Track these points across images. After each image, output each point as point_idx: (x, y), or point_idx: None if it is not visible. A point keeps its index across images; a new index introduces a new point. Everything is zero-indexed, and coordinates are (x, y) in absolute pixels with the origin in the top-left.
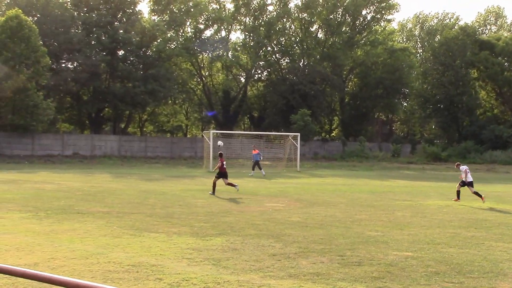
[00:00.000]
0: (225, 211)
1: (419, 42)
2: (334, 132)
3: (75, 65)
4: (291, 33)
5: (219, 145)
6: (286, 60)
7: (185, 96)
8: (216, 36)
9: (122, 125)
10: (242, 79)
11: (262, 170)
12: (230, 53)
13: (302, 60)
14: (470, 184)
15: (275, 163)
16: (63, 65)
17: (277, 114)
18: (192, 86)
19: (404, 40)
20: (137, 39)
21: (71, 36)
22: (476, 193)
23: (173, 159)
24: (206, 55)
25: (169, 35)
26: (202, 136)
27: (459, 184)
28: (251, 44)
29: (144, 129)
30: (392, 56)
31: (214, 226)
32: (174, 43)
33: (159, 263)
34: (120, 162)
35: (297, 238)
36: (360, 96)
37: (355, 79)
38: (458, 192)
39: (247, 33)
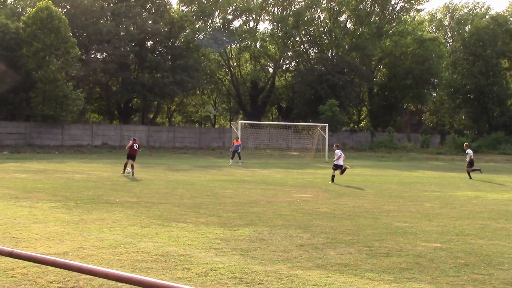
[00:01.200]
0: (253, 202)
1: (449, 32)
2: (362, 122)
3: (104, 55)
4: (319, 23)
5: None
6: (315, 50)
7: (213, 87)
8: (245, 27)
9: (151, 116)
10: (270, 70)
11: (232, 160)
12: (258, 43)
13: (330, 50)
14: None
15: (303, 154)
16: (92, 55)
17: (305, 104)
18: (220, 76)
19: (434, 30)
20: (166, 30)
21: (100, 27)
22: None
23: (201, 149)
24: (234, 46)
25: (197, 25)
26: (230, 126)
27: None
28: (279, 34)
29: (173, 119)
30: (422, 46)
31: (241, 217)
32: (203, 33)
33: (187, 253)
34: (149, 152)
35: (325, 229)
36: (389, 86)
37: (384, 69)
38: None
39: (275, 24)
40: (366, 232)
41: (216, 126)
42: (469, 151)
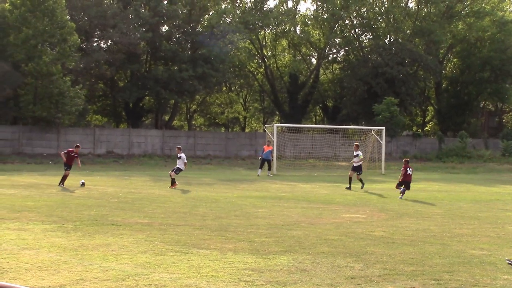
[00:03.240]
0: (292, 224)
1: None
2: (428, 125)
3: (109, 44)
4: (374, 2)
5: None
6: (368, 37)
7: (243, 82)
8: (281, 8)
9: (166, 118)
10: (314, 61)
11: (261, 170)
12: (298, 28)
13: (388, 36)
14: None
15: None
16: (95, 44)
17: (357, 103)
18: (252, 69)
19: None
20: (185, 11)
21: (104, 9)
22: None
23: (228, 159)
24: (269, 31)
25: (223, 6)
26: (264, 130)
27: None
28: (325, 17)
29: (193, 122)
30: (503, 30)
31: (278, 242)
32: (230, 16)
33: (211, 287)
34: (164, 162)
35: (382, 257)
36: (461, 80)
37: (455, 60)
38: None
39: (319, 3)
40: (433, 261)
41: (246, 131)
42: None
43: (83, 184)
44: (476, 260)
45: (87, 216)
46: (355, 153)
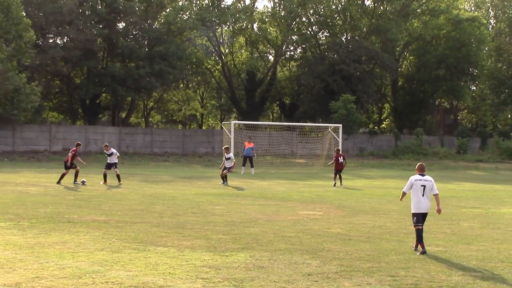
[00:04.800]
0: (249, 221)
1: (492, 10)
2: (384, 123)
3: (65, 40)
4: (331, 0)
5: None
6: (325, 34)
7: (200, 79)
8: (239, 5)
9: (123, 115)
10: (271, 58)
11: (251, 168)
12: (255, 25)
13: (345, 34)
14: None
15: (311, 161)
16: (51, 40)
17: (314, 100)
18: (209, 66)
19: (473, 8)
20: (142, 8)
21: (60, 5)
22: None
23: (186, 156)
24: (226, 28)
25: (180, 3)
26: (221, 127)
27: None
28: (282, 14)
29: (150, 119)
30: (458, 28)
31: (235, 239)
32: (187, 13)
33: (168, 284)
34: (121, 159)
35: (338, 254)
36: (417, 78)
37: (411, 57)
38: None
39: (276, 1)
40: (389, 258)
41: (203, 128)
42: None
43: (83, 183)
44: (432, 257)
45: (43, 214)
46: None
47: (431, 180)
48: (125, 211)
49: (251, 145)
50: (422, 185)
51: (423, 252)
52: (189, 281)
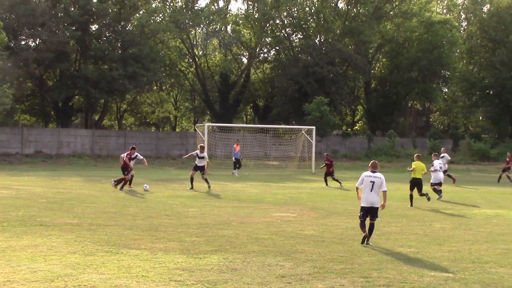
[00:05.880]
0: (222, 223)
1: (463, 13)
2: (357, 125)
3: (37, 42)
4: (304, 2)
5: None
6: (299, 36)
7: (173, 81)
8: (212, 7)
9: (96, 117)
10: (244, 60)
11: (236, 170)
12: (229, 27)
13: (318, 36)
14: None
15: (284, 163)
16: (23, 42)
17: (287, 103)
18: (183, 68)
19: (445, 11)
20: (115, 10)
21: (32, 7)
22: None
23: (159, 159)
24: (199, 30)
25: (154, 5)
26: (195, 130)
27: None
28: (256, 16)
29: (123, 121)
30: (430, 30)
31: (209, 241)
32: (161, 15)
33: (141, 287)
34: (94, 162)
35: (312, 256)
36: (390, 80)
37: (384, 60)
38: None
39: (250, 3)
40: (361, 259)
41: (177, 130)
42: (436, 163)
43: (146, 188)
44: (404, 258)
45: (15, 217)
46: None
47: (380, 177)
48: (98, 213)
49: (239, 147)
50: (371, 181)
51: (365, 237)
52: (162, 283)
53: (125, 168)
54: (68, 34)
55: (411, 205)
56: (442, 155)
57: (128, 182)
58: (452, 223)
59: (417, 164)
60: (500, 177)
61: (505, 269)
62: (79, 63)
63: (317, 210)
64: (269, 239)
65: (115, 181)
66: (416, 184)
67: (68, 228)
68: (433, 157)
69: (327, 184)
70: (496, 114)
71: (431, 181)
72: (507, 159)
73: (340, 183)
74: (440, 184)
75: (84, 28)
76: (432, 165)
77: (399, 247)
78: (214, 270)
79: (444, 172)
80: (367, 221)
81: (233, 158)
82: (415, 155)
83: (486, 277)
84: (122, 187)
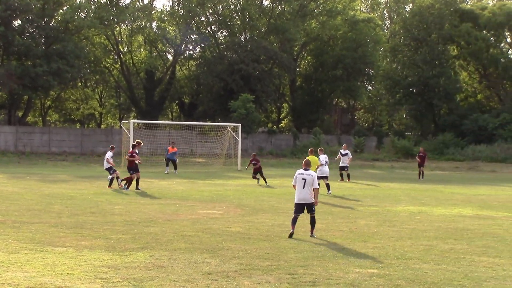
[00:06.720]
0: (148, 220)
1: (387, 11)
2: (283, 122)
3: None
4: (230, 0)
5: None
6: (224, 34)
7: (98, 78)
8: (137, 4)
9: (20, 114)
10: (170, 57)
11: (168, 167)
12: (154, 24)
13: (243, 33)
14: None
15: (211, 161)
16: None
17: (213, 100)
18: (108, 65)
19: (368, 9)
20: (38, 6)
21: None
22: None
23: (84, 156)
24: (124, 27)
25: (78, 1)
26: (120, 127)
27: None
28: (181, 13)
29: (48, 118)
30: (354, 28)
31: (135, 239)
32: (85, 11)
33: (66, 285)
34: (17, 159)
35: (238, 253)
36: (315, 78)
37: (309, 57)
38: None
39: (175, 0)
40: (288, 256)
41: (102, 127)
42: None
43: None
44: (330, 254)
45: None
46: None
47: (312, 175)
48: (22, 211)
49: (175, 149)
50: (303, 179)
51: (291, 234)
52: (88, 281)
53: (131, 168)
54: None
55: None
56: (345, 152)
57: (130, 183)
58: (376, 220)
59: (311, 159)
60: (420, 173)
61: (429, 265)
62: (2, 59)
63: (243, 207)
64: (195, 236)
65: (121, 180)
66: None
67: None
68: (319, 152)
69: (258, 182)
70: (419, 112)
71: (317, 174)
72: (419, 154)
73: (265, 180)
74: (326, 178)
75: (6, 23)
76: (319, 159)
77: (324, 244)
78: (140, 268)
79: (345, 168)
80: (308, 216)
81: (165, 159)
82: (309, 150)
83: (410, 273)
84: (127, 187)
